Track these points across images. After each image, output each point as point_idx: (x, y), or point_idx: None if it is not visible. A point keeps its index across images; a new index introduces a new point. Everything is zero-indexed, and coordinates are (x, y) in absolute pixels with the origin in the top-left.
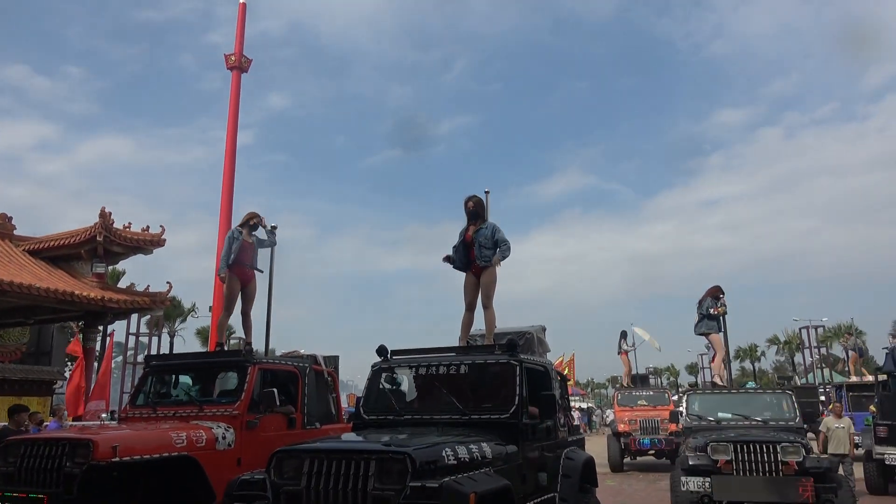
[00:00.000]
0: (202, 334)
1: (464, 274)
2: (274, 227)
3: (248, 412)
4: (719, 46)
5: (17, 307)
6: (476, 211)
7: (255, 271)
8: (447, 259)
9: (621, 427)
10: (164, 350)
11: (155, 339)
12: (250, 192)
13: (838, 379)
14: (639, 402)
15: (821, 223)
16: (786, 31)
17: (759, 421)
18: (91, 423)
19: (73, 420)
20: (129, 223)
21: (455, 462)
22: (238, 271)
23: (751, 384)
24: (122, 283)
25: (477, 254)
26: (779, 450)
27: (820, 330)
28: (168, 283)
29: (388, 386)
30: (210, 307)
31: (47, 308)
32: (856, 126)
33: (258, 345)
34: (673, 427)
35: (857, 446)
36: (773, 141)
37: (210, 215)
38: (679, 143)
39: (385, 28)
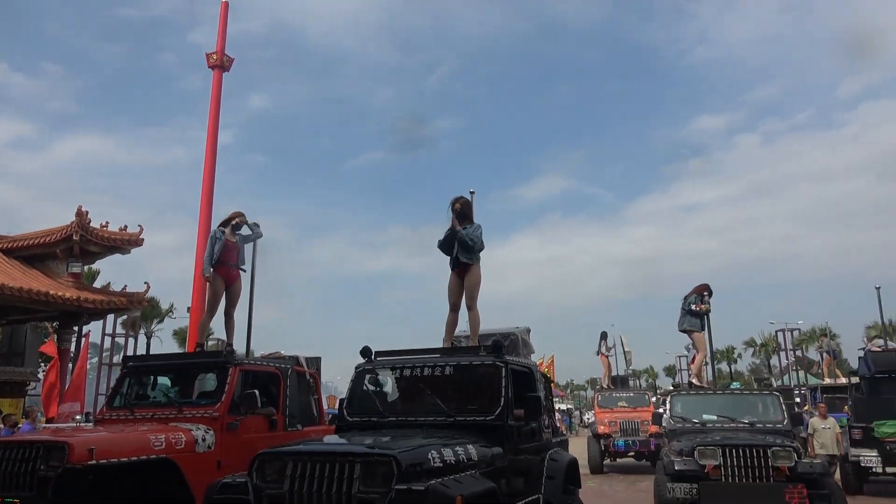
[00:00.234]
0: (179, 335)
1: (448, 274)
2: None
3: (229, 414)
4: (702, 52)
5: None
6: (463, 212)
7: (240, 271)
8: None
9: (601, 429)
10: (141, 351)
11: (132, 340)
12: (230, 193)
13: (813, 381)
14: (619, 404)
15: (798, 229)
16: (767, 38)
17: (745, 423)
18: (65, 424)
19: (47, 422)
20: (107, 222)
21: (441, 464)
22: (222, 271)
23: (735, 384)
24: (98, 283)
25: (460, 252)
26: (769, 454)
27: (796, 333)
28: (146, 283)
29: (371, 387)
30: (188, 308)
31: (21, 308)
32: (833, 133)
33: (239, 346)
34: (654, 429)
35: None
36: (752, 147)
37: (189, 216)
38: (660, 148)
39: (369, 29)
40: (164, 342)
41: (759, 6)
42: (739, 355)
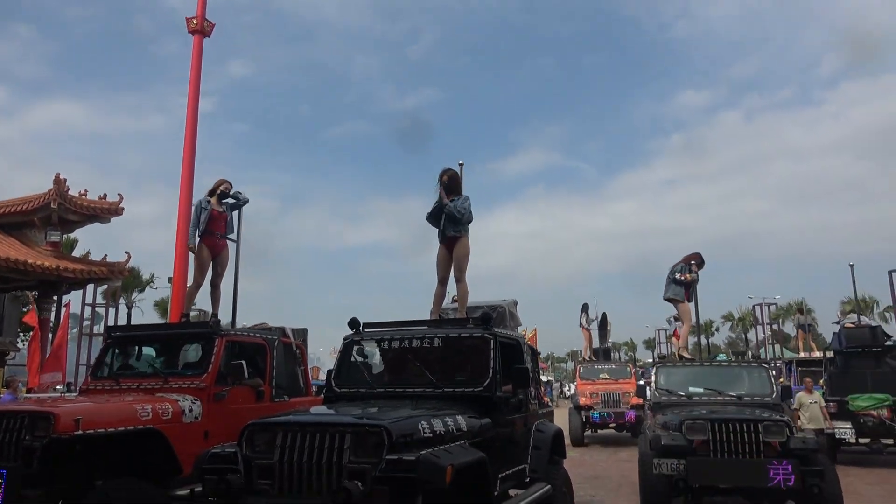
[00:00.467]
0: (161, 306)
1: (437, 247)
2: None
3: (216, 384)
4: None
5: None
6: (451, 184)
7: (228, 240)
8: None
9: (583, 400)
10: (122, 322)
11: (112, 311)
12: (211, 162)
13: (788, 355)
14: (601, 376)
15: (776, 205)
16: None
17: (733, 396)
18: (47, 395)
19: (28, 392)
20: (86, 190)
21: (431, 435)
22: (208, 241)
23: (722, 356)
24: (76, 253)
25: (448, 225)
26: (760, 429)
27: (773, 307)
28: (127, 252)
29: (359, 359)
30: (170, 278)
31: None
32: (812, 111)
33: (224, 317)
34: (635, 400)
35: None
36: (733, 123)
37: (169, 185)
38: (642, 122)
39: None
40: (145, 313)
41: None
42: (717, 329)
